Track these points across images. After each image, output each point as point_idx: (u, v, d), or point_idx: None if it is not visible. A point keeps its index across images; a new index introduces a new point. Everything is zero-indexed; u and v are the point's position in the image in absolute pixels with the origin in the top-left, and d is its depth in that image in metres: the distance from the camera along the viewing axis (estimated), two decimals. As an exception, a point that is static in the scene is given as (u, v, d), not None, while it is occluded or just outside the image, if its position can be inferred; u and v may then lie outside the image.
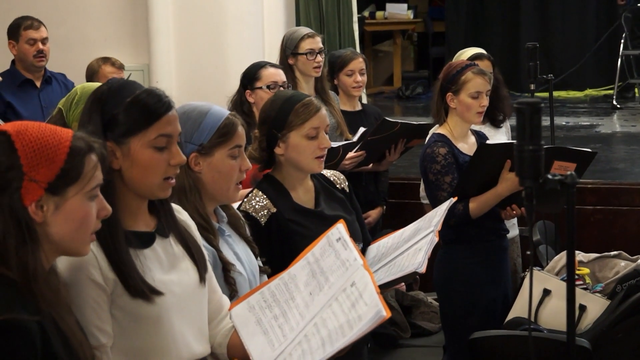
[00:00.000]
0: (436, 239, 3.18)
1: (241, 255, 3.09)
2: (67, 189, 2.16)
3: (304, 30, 5.88)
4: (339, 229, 2.73)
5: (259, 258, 3.20)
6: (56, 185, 2.14)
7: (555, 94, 7.37)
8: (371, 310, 2.38)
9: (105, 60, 6.49)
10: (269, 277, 3.11)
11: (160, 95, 2.56)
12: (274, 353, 2.51)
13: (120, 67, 6.47)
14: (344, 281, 2.53)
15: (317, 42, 5.75)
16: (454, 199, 3.64)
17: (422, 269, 3.02)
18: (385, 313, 2.36)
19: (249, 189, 3.56)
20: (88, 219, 2.20)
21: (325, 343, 2.42)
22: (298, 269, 2.71)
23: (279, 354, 2.50)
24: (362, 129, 5.42)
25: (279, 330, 2.57)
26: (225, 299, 2.83)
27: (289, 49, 5.71)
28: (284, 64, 5.68)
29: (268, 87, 4.98)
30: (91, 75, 6.34)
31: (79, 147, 2.18)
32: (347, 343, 2.40)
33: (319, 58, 5.69)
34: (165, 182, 2.56)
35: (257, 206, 3.44)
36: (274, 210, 3.44)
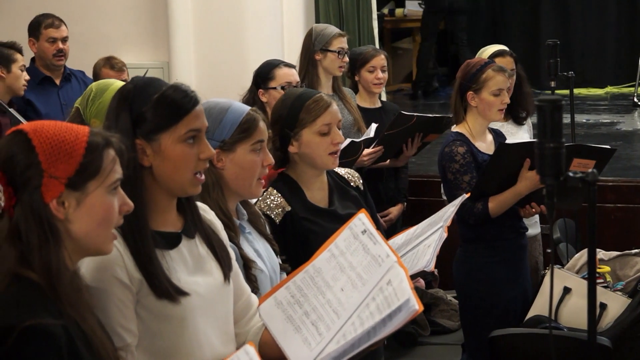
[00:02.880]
0: (445, 235, 3.17)
1: (262, 253, 3.09)
2: (87, 184, 2.16)
3: (335, 28, 5.87)
4: (362, 220, 2.70)
5: (278, 255, 3.20)
6: (76, 181, 2.14)
7: (576, 91, 7.34)
8: (404, 305, 2.37)
9: (107, 61, 6.50)
10: (288, 274, 3.11)
11: (186, 90, 2.56)
12: (312, 353, 2.50)
13: (120, 70, 6.47)
14: (379, 279, 2.51)
15: (346, 42, 5.77)
16: (466, 195, 3.64)
17: (431, 267, 3.01)
18: (418, 307, 2.35)
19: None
20: (110, 214, 2.20)
21: (361, 339, 2.41)
22: (323, 262, 2.68)
23: (317, 354, 2.48)
24: (374, 125, 5.40)
25: (313, 328, 2.55)
26: (254, 297, 2.81)
27: (319, 44, 5.68)
28: (309, 58, 5.67)
29: (282, 87, 4.92)
30: (95, 76, 6.37)
31: (97, 142, 2.18)
32: (379, 337, 2.40)
33: (346, 58, 5.70)
34: (195, 177, 2.55)
35: (271, 205, 3.44)
36: (288, 208, 3.45)
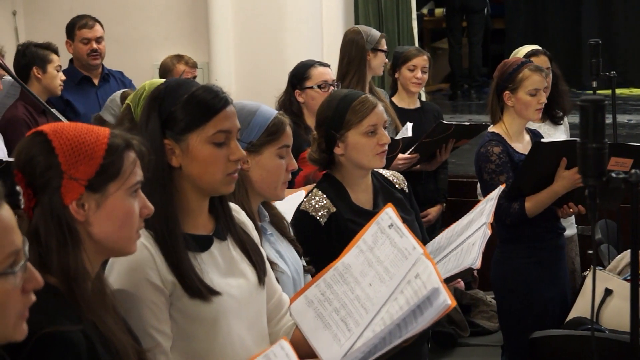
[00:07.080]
0: (489, 232, 3.12)
1: (284, 254, 3.09)
2: (107, 186, 2.14)
3: (377, 31, 5.92)
4: (389, 214, 2.69)
5: (302, 257, 3.19)
6: (96, 183, 2.12)
7: (618, 91, 7.28)
8: (433, 295, 2.35)
9: (179, 58, 6.54)
10: (312, 276, 3.10)
11: (217, 91, 2.56)
12: (342, 349, 2.49)
13: (194, 66, 6.53)
14: (406, 272, 2.50)
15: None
16: (502, 186, 3.59)
17: (477, 264, 2.99)
18: (450, 302, 2.32)
19: (302, 188, 3.56)
20: (131, 216, 2.18)
21: (392, 334, 2.40)
22: (351, 258, 2.68)
23: (347, 349, 2.48)
24: (409, 124, 5.39)
25: (343, 324, 2.55)
26: (285, 297, 2.81)
27: (370, 44, 5.69)
28: (361, 58, 5.66)
29: (319, 86, 4.99)
30: (165, 73, 6.40)
31: (117, 144, 2.16)
32: (411, 334, 2.37)
33: (386, 59, 5.76)
34: (227, 177, 2.55)
35: (317, 206, 3.45)
36: (333, 210, 3.45)
